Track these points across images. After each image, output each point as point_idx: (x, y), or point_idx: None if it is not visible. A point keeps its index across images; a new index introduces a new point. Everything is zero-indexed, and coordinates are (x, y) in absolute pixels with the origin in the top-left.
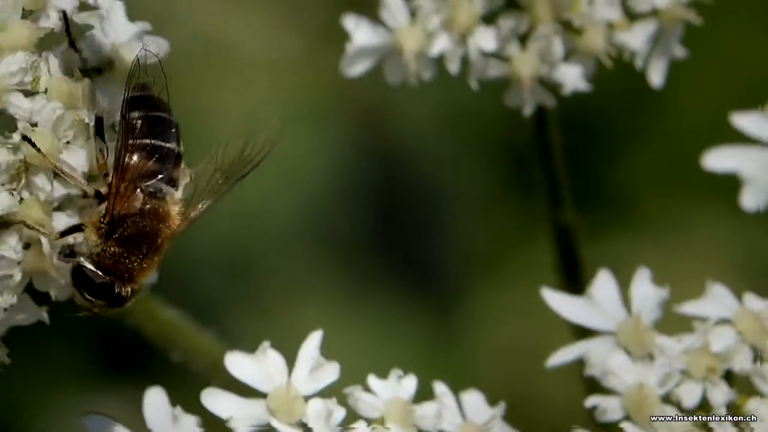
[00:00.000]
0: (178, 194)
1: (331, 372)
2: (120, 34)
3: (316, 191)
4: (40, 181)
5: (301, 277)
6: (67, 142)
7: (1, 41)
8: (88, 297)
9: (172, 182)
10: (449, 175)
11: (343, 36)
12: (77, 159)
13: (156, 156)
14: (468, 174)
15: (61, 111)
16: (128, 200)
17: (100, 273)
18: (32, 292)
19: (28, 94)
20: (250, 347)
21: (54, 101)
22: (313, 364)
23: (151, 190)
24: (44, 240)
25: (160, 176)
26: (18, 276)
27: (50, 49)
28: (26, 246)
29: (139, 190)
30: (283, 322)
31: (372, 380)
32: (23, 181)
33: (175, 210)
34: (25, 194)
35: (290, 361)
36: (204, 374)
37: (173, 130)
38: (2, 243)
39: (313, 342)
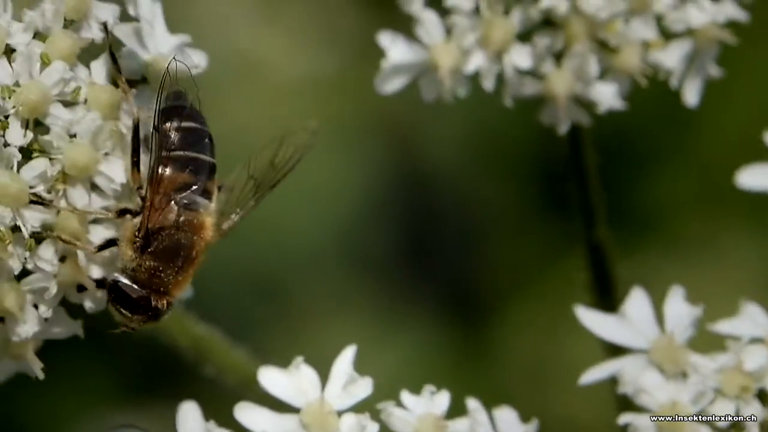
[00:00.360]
0: (213, 206)
1: (364, 387)
2: (160, 45)
3: (347, 209)
4: (78, 193)
5: (333, 294)
6: (106, 153)
7: (43, 51)
8: (125, 312)
9: (207, 194)
10: (481, 194)
11: (377, 54)
12: (116, 170)
13: (190, 167)
14: (500, 192)
15: (100, 122)
16: (163, 213)
17: (137, 287)
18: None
19: (68, 104)
20: (281, 364)
21: (93, 112)
22: (347, 380)
23: (186, 202)
24: (80, 253)
25: (194, 188)
26: (54, 289)
27: (91, 59)
28: (62, 259)
29: (173, 202)
30: (314, 339)
31: (405, 396)
32: (60, 192)
33: (209, 221)
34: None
35: (322, 378)
36: (236, 390)
37: (207, 141)
38: (38, 256)
39: (346, 357)
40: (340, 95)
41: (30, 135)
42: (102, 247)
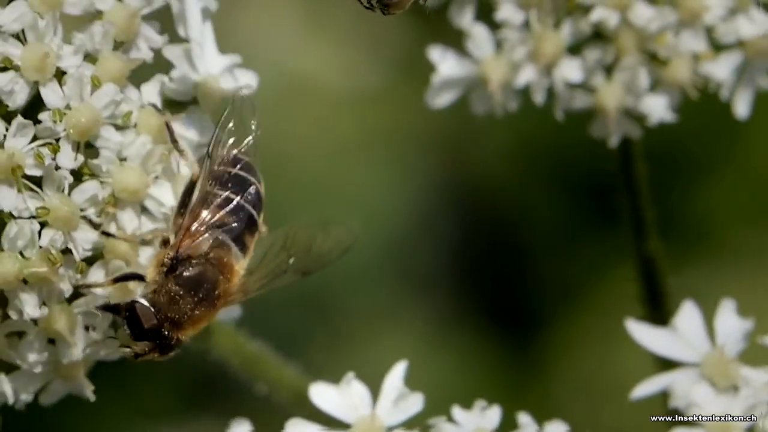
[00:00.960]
0: (244, 262)
1: (415, 403)
2: (210, 66)
3: (396, 224)
4: (128, 216)
5: (382, 310)
6: (156, 177)
7: (93, 73)
8: (133, 334)
9: (242, 246)
10: (530, 207)
11: (425, 68)
12: (165, 194)
13: (234, 213)
14: (549, 205)
15: (151, 146)
16: (196, 241)
17: (152, 310)
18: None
19: (118, 127)
20: (332, 380)
21: (143, 135)
22: (398, 395)
23: (220, 239)
24: None
25: (232, 233)
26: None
27: (141, 80)
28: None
29: (208, 234)
30: (364, 355)
31: (456, 411)
32: (111, 215)
33: (238, 269)
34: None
35: (372, 393)
36: (288, 406)
37: (254, 194)
38: (89, 279)
39: (397, 373)
40: (387, 109)
41: (81, 158)
42: (119, 279)
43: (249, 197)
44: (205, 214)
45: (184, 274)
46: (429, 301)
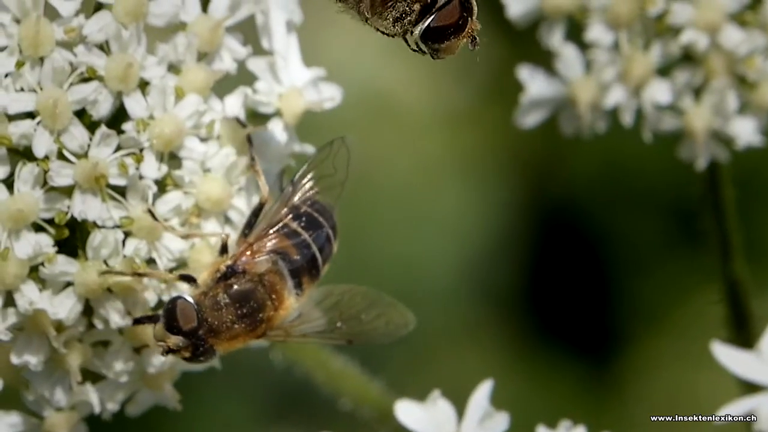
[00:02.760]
0: (296, 301)
1: (500, 422)
2: (295, 78)
3: (479, 244)
4: (211, 226)
5: (463, 329)
6: (239, 189)
7: (176, 84)
8: (170, 326)
9: (298, 284)
10: (615, 228)
11: (511, 89)
12: (248, 205)
13: (299, 248)
14: (634, 226)
15: (234, 158)
16: (255, 259)
17: (195, 308)
18: None
19: (202, 138)
20: (411, 397)
21: (227, 146)
22: (483, 414)
23: (279, 266)
24: None
25: (291, 266)
26: None
27: (224, 91)
28: None
29: (268, 257)
30: (443, 374)
31: (541, 431)
32: (194, 225)
33: (288, 304)
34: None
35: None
36: (371, 422)
37: (327, 242)
38: (175, 288)
39: (483, 392)
40: (472, 129)
41: (164, 168)
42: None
43: (318, 240)
44: (271, 237)
45: (235, 285)
46: (511, 320)
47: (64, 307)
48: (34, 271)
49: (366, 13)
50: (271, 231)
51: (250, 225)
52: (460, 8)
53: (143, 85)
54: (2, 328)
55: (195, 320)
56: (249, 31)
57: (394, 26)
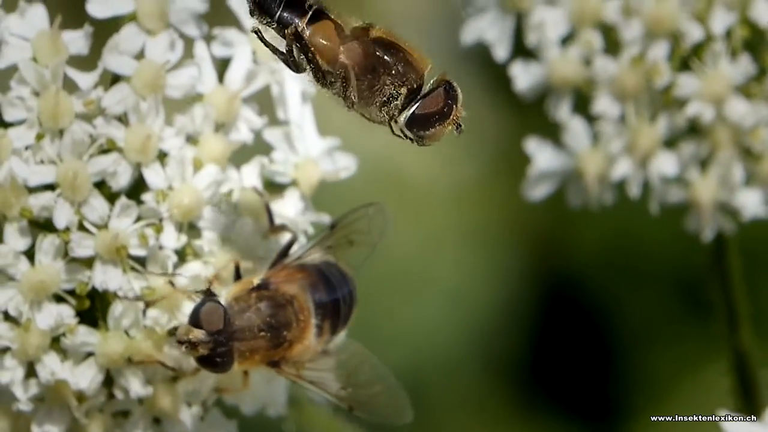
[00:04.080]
0: (315, 343)
1: None
2: (310, 148)
3: (486, 315)
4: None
5: (467, 400)
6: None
7: (195, 155)
8: (194, 320)
9: (319, 327)
10: (621, 299)
11: (518, 160)
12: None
13: (327, 289)
14: (640, 297)
15: (251, 227)
16: (288, 282)
17: (225, 307)
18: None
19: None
20: None
21: (245, 217)
22: None
23: (306, 298)
24: None
25: (319, 302)
26: (206, 389)
27: (240, 161)
28: None
29: (298, 285)
30: None
31: None
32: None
33: (305, 343)
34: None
35: None
36: None
37: (350, 299)
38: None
39: None
40: (480, 201)
41: (184, 238)
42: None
43: (343, 293)
44: (303, 270)
45: (267, 295)
46: (515, 391)
47: (85, 378)
48: (55, 342)
49: (353, 98)
50: (301, 265)
51: (282, 256)
52: (445, 96)
53: (162, 156)
54: (24, 399)
55: (222, 319)
56: (264, 101)
57: (380, 112)
